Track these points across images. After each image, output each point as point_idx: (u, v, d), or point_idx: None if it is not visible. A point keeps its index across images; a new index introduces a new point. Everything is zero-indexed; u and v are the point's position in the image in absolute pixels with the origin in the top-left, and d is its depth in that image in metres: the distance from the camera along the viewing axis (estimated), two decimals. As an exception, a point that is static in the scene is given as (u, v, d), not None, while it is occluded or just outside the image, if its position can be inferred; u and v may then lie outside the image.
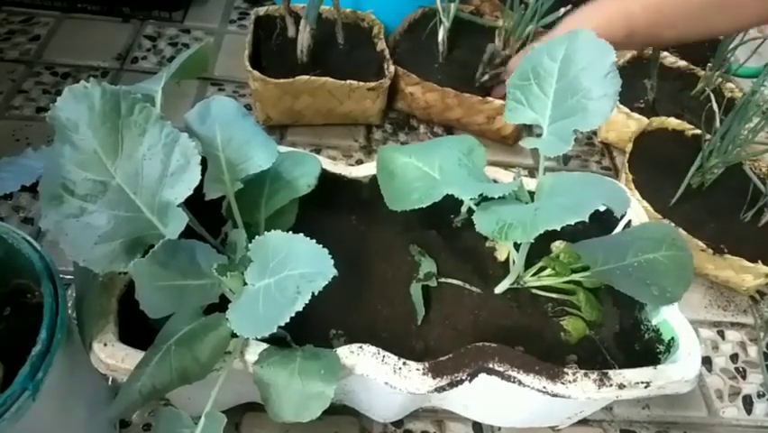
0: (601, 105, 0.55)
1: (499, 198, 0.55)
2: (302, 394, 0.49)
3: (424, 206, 0.60)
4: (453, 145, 0.64)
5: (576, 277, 0.63)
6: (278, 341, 0.54)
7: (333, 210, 0.71)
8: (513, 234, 0.49)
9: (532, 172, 0.97)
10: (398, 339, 0.61)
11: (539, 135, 0.58)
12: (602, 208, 0.47)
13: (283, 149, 0.64)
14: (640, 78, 1.06)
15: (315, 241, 0.49)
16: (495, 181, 0.70)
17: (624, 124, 0.99)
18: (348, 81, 0.91)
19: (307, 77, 0.89)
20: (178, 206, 0.49)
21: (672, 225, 0.61)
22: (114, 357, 0.51)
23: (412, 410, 0.67)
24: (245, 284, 0.51)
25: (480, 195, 0.54)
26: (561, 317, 0.64)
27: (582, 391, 0.55)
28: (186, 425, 0.49)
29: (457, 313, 0.64)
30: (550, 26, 0.98)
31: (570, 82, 0.56)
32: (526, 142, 0.58)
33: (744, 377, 0.79)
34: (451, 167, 0.61)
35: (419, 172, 0.64)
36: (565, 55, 0.57)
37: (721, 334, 0.83)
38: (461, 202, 0.67)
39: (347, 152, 0.97)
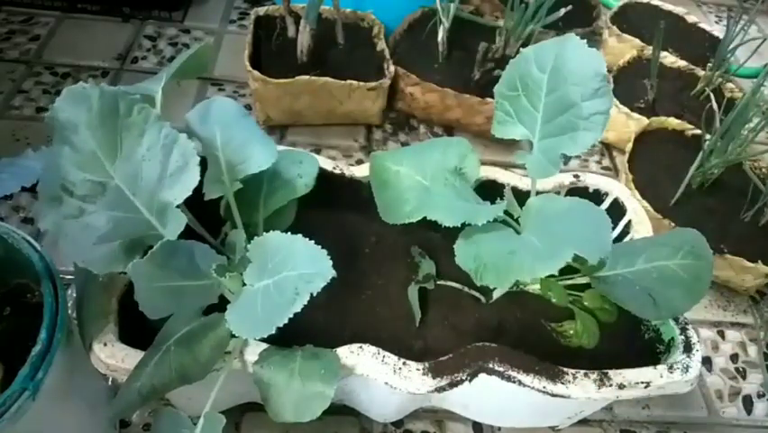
0: (592, 125, 0.52)
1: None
2: (302, 394, 0.49)
3: (414, 220, 0.58)
4: (446, 150, 0.62)
5: (575, 293, 0.63)
6: (278, 341, 0.54)
7: (332, 210, 0.71)
8: (487, 278, 0.48)
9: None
10: (398, 339, 0.61)
11: (531, 146, 0.56)
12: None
13: (281, 148, 0.64)
14: (640, 77, 1.06)
15: (314, 241, 0.49)
16: (493, 182, 0.70)
17: (624, 124, 0.99)
18: (348, 81, 0.91)
19: (308, 77, 0.89)
20: (177, 206, 0.49)
21: (697, 232, 0.59)
22: (113, 357, 0.51)
23: (412, 410, 0.67)
24: (244, 285, 0.51)
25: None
26: (560, 322, 0.64)
27: (582, 391, 0.55)
28: (185, 425, 0.49)
29: (456, 315, 0.64)
30: (550, 26, 0.98)
31: (560, 97, 0.54)
32: (519, 157, 0.56)
33: (744, 377, 0.79)
34: (438, 184, 0.59)
35: (411, 181, 0.62)
36: (554, 66, 0.54)
37: (721, 334, 0.83)
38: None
39: (347, 152, 0.97)
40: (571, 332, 0.62)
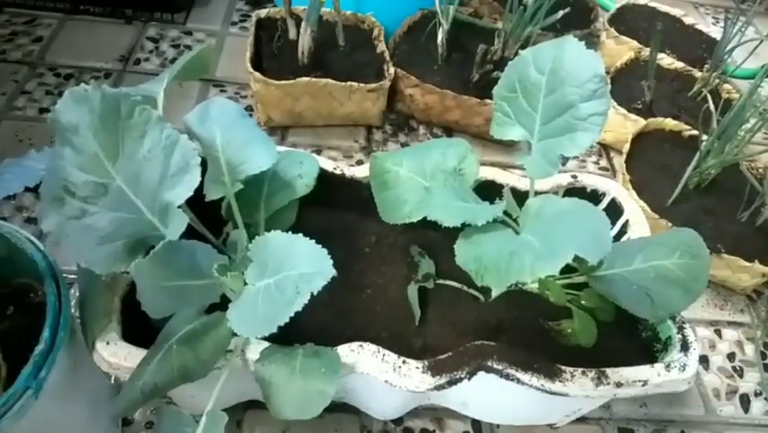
0: (590, 126, 0.53)
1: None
2: (303, 392, 0.50)
3: (414, 220, 0.60)
4: (445, 151, 0.64)
5: (573, 292, 0.63)
6: (279, 339, 0.54)
7: (333, 210, 0.71)
8: (488, 279, 0.49)
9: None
10: (398, 338, 0.61)
11: (530, 147, 0.57)
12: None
13: (281, 149, 0.65)
14: (637, 79, 1.06)
15: (314, 241, 0.49)
16: (492, 182, 0.71)
17: (621, 125, 1.00)
18: (348, 83, 0.91)
19: (308, 78, 0.90)
20: (178, 207, 0.49)
21: (694, 232, 0.60)
22: (116, 356, 0.52)
23: (412, 408, 0.68)
24: (246, 284, 0.51)
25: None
26: (558, 321, 0.64)
27: (580, 389, 0.55)
28: (187, 423, 0.49)
29: (456, 313, 0.64)
30: (549, 29, 0.99)
31: (558, 98, 0.54)
32: (518, 157, 0.57)
33: (741, 376, 0.79)
34: (438, 184, 0.60)
35: (411, 182, 0.63)
36: (552, 68, 0.55)
37: (718, 333, 0.84)
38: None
39: (347, 152, 0.98)
40: (569, 330, 0.63)
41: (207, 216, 0.58)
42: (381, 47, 1.01)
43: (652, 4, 1.29)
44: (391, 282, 0.66)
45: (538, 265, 0.47)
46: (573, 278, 0.63)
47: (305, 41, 0.93)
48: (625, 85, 1.06)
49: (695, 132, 0.96)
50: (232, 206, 0.57)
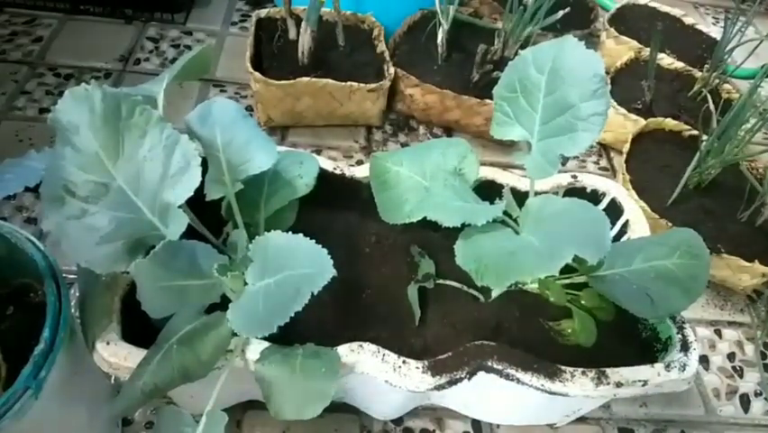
0: (590, 126, 0.53)
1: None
2: (303, 392, 0.49)
3: (414, 220, 0.60)
4: (445, 151, 0.64)
5: (573, 292, 0.63)
6: (279, 339, 0.54)
7: (333, 210, 0.71)
8: (487, 279, 0.49)
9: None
10: (398, 338, 0.61)
11: (530, 146, 0.57)
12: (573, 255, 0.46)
13: (281, 149, 0.65)
14: (637, 79, 1.06)
15: (314, 241, 0.49)
16: (492, 182, 0.71)
17: (621, 125, 1.00)
18: (348, 83, 0.91)
19: (308, 78, 0.90)
20: (178, 207, 0.49)
21: (694, 232, 0.60)
22: (116, 356, 0.52)
23: (411, 408, 0.68)
24: (246, 284, 0.51)
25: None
26: (558, 321, 0.64)
27: (580, 389, 0.55)
28: (187, 423, 0.49)
29: (456, 313, 0.64)
30: (549, 28, 0.99)
31: (558, 98, 0.55)
32: (518, 157, 0.57)
33: (741, 376, 0.80)
34: (438, 184, 0.60)
35: (411, 182, 0.63)
36: (552, 67, 0.55)
37: (718, 333, 0.84)
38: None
39: (347, 152, 0.98)
40: (569, 330, 0.63)
41: (207, 216, 0.58)
42: (381, 47, 1.01)
43: (652, 4, 1.29)
44: (391, 282, 0.66)
45: (538, 265, 0.47)
46: (573, 278, 0.63)
47: (305, 41, 0.93)
48: (625, 85, 1.06)
49: (695, 132, 0.96)
50: (232, 206, 0.57)
